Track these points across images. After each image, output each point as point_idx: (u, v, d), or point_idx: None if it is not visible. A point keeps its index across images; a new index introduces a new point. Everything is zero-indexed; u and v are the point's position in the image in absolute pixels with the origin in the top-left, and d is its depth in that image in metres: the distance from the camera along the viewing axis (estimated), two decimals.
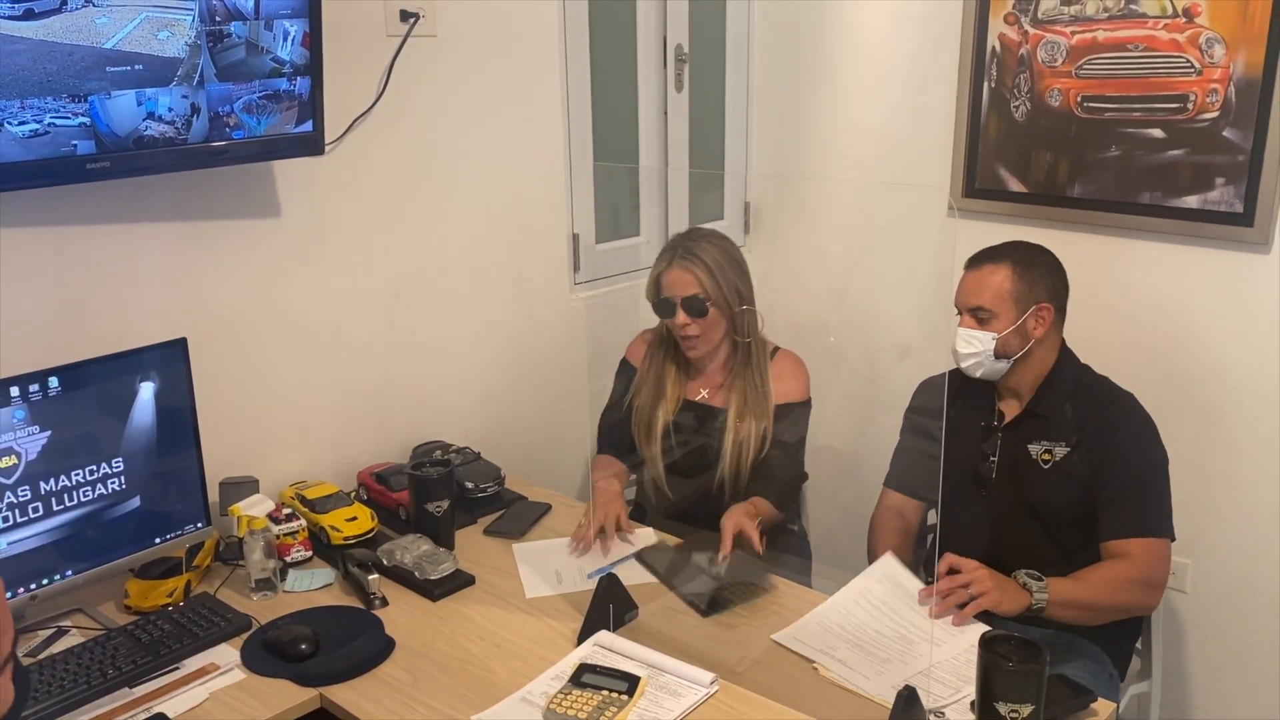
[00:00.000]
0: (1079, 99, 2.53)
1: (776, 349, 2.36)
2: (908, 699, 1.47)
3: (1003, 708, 1.43)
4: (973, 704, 1.54)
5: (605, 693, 1.59)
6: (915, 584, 1.92)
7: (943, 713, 1.57)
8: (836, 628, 1.83)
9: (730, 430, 2.28)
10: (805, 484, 2.48)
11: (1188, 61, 2.36)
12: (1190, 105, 2.37)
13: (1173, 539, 1.99)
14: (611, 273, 2.89)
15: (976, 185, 2.75)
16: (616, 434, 2.41)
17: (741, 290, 2.28)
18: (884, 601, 1.89)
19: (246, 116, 1.89)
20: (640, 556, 2.00)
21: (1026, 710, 1.43)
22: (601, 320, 2.83)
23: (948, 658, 1.72)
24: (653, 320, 2.38)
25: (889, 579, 1.94)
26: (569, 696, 1.59)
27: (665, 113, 2.93)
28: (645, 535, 2.16)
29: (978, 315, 2.04)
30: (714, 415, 2.32)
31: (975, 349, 2.04)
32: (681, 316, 2.23)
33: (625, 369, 2.46)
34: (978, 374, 2.07)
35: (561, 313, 2.76)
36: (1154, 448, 2.02)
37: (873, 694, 1.63)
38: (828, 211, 3.13)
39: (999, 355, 2.03)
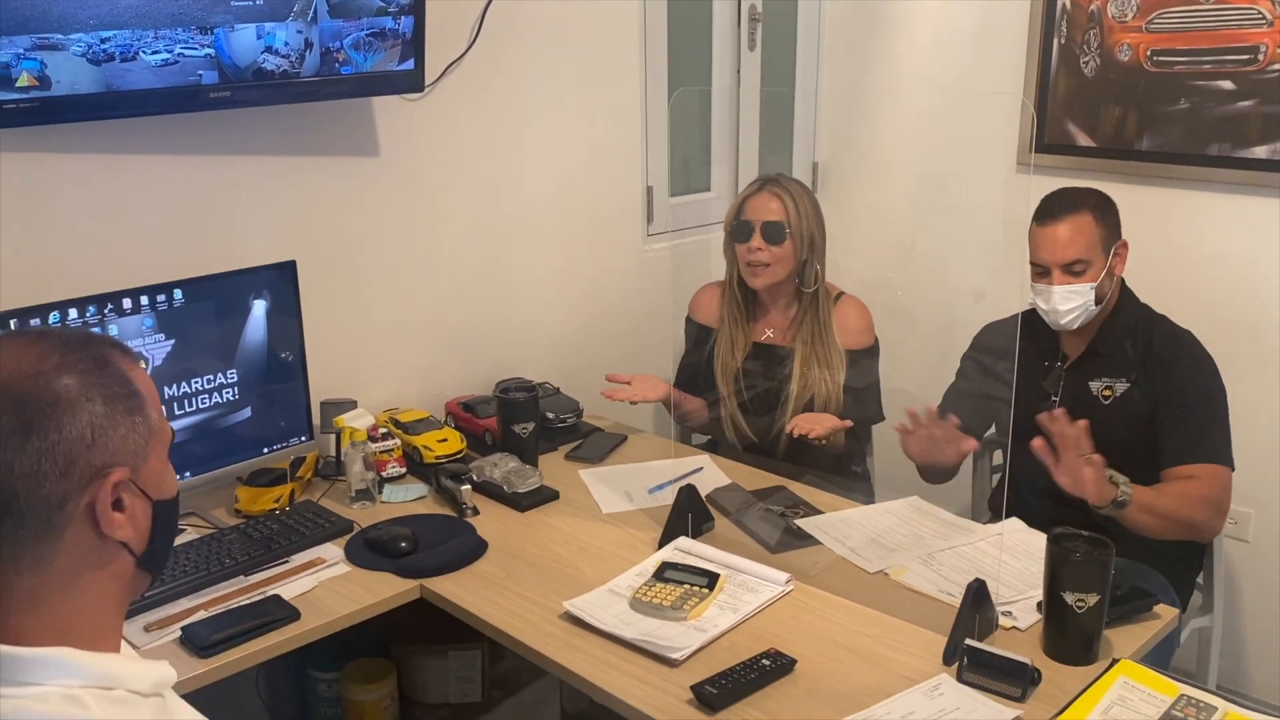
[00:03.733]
0: (1149, 53, 2.58)
1: (840, 294, 2.43)
2: (977, 591, 1.55)
3: (1070, 597, 1.50)
4: (1039, 604, 1.61)
5: (687, 586, 1.70)
6: (944, 513, 2.03)
7: (1009, 611, 1.64)
8: (856, 524, 1.98)
9: (796, 377, 2.36)
10: (876, 426, 2.55)
11: (1259, 13, 2.39)
12: (1261, 56, 2.41)
13: (1233, 467, 2.03)
14: (683, 226, 2.98)
15: (1045, 141, 2.80)
16: (691, 388, 2.51)
17: (816, 239, 2.35)
18: (907, 517, 2.03)
19: (354, 53, 2.02)
20: (711, 498, 2.09)
21: (1093, 599, 1.50)
22: (672, 270, 2.93)
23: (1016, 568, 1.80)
24: (718, 272, 2.47)
25: (915, 508, 2.05)
26: (653, 588, 1.69)
27: (738, 71, 3.02)
28: (703, 460, 2.28)
29: (1073, 269, 2.02)
30: (779, 354, 2.41)
31: (1076, 303, 2.03)
32: (757, 240, 2.30)
33: (688, 325, 2.55)
34: (1077, 325, 2.07)
35: (636, 262, 2.86)
36: (1213, 380, 2.06)
37: (917, 587, 1.72)
38: (896, 171, 3.19)
39: (1097, 301, 2.05)
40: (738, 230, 2.35)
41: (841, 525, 1.98)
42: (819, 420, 2.21)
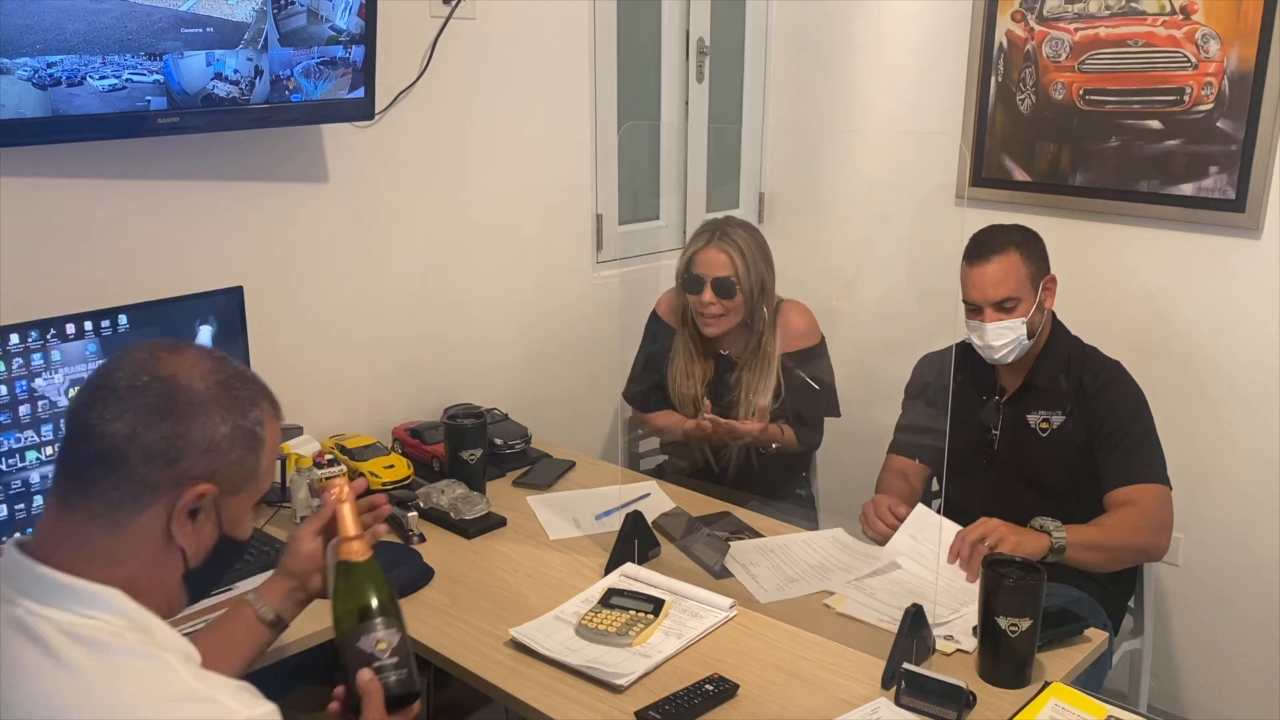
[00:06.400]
0: (1081, 92, 2.67)
1: (780, 301, 2.47)
2: (914, 615, 1.59)
3: (1003, 621, 1.55)
4: (975, 628, 1.65)
5: (632, 612, 1.71)
6: (860, 545, 2.04)
7: (950, 635, 1.68)
8: (770, 552, 2.00)
9: (743, 387, 2.41)
10: (821, 451, 2.59)
11: (1184, 56, 2.50)
12: (1186, 98, 2.51)
13: (1170, 485, 2.10)
14: (632, 253, 3.02)
15: (983, 175, 2.89)
16: (655, 396, 2.54)
17: (766, 282, 2.40)
18: (824, 549, 2.03)
19: (305, 80, 2.03)
20: (658, 523, 2.11)
21: (1025, 624, 1.54)
22: (620, 297, 2.96)
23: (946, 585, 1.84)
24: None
25: (836, 541, 2.07)
26: (599, 614, 1.71)
27: (686, 103, 3.08)
28: (650, 486, 2.31)
29: (1004, 306, 2.08)
30: (733, 368, 2.45)
31: (1009, 338, 2.09)
32: (709, 294, 2.34)
33: (655, 322, 2.58)
34: (1011, 359, 2.13)
35: (585, 288, 2.89)
36: (1142, 405, 2.14)
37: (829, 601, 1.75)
38: (841, 202, 3.26)
39: (1030, 335, 2.12)
40: (689, 283, 2.38)
41: (755, 553, 2.00)
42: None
